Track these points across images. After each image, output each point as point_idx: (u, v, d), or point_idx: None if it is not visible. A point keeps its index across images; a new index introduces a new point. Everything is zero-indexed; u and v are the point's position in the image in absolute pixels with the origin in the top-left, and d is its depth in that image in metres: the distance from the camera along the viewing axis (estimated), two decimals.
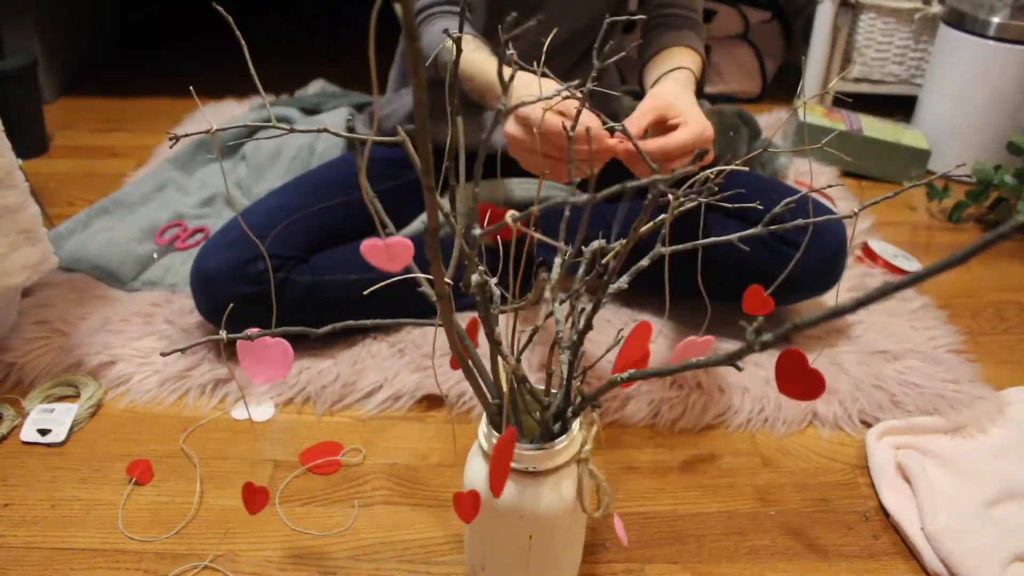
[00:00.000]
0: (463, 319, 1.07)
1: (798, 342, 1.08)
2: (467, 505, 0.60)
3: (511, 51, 0.57)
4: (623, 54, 0.72)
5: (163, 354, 0.59)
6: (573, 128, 0.60)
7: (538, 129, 0.78)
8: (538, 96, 0.59)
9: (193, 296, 1.00)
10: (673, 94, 0.85)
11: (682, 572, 0.77)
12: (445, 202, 0.55)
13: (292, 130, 0.52)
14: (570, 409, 0.63)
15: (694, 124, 0.81)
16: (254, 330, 0.61)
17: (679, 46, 1.00)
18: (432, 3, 1.00)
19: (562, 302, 0.64)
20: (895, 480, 0.85)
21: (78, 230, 1.26)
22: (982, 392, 0.97)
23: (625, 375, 0.58)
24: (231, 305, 0.92)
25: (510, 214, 0.47)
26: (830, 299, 1.11)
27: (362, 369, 0.99)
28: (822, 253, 1.00)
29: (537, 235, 0.46)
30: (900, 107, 1.77)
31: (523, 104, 0.59)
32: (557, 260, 0.64)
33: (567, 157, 0.66)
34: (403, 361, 1.01)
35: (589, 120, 0.79)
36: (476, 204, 0.58)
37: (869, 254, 1.28)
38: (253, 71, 0.55)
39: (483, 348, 0.87)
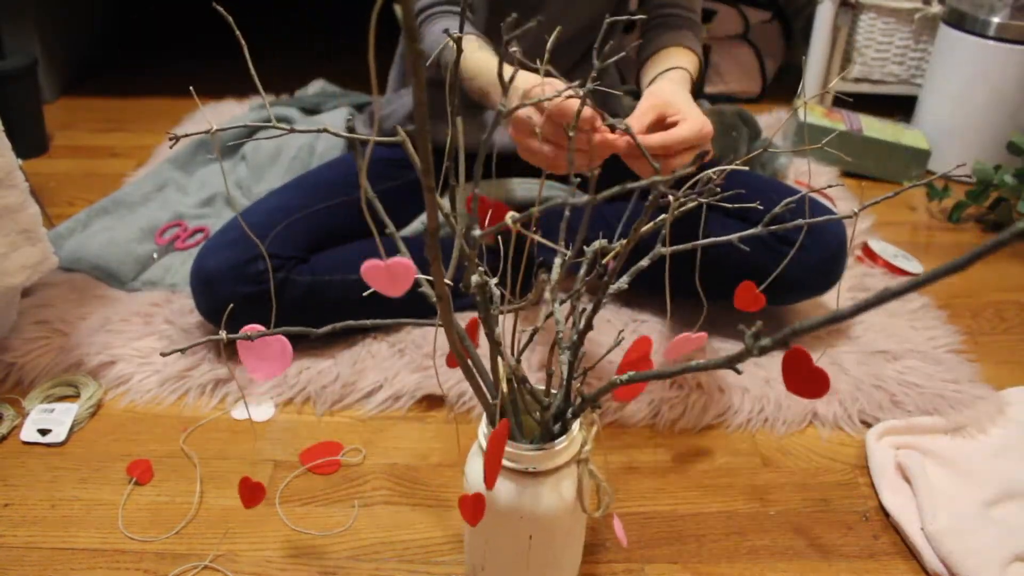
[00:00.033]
0: (463, 319, 1.07)
1: (799, 340, 1.07)
2: (472, 508, 0.60)
3: (515, 49, 0.57)
4: (623, 54, 0.72)
5: (163, 354, 0.59)
6: (575, 123, 0.60)
7: (547, 107, 0.77)
8: (544, 89, 0.59)
9: (193, 296, 1.00)
10: (671, 92, 0.86)
11: (682, 572, 0.77)
12: (445, 202, 0.55)
13: (292, 130, 0.52)
14: (570, 410, 0.63)
15: (693, 120, 0.81)
16: (254, 329, 0.61)
17: (676, 46, 1.01)
18: (432, 3, 1.00)
19: (562, 302, 0.64)
20: (895, 480, 0.85)
21: (78, 230, 1.26)
22: (982, 392, 0.97)
23: (625, 377, 0.58)
24: (231, 305, 0.93)
25: (510, 215, 0.47)
26: (830, 299, 1.11)
27: (362, 369, 0.99)
28: (822, 253, 1.00)
29: (537, 237, 0.46)
30: (900, 107, 1.77)
31: (526, 103, 0.59)
32: (557, 260, 0.64)
33: (567, 147, 0.65)
34: (403, 361, 1.01)
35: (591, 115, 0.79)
36: (477, 204, 0.58)
37: (869, 254, 1.28)
38: (253, 71, 0.55)
39: (483, 348, 0.88)
